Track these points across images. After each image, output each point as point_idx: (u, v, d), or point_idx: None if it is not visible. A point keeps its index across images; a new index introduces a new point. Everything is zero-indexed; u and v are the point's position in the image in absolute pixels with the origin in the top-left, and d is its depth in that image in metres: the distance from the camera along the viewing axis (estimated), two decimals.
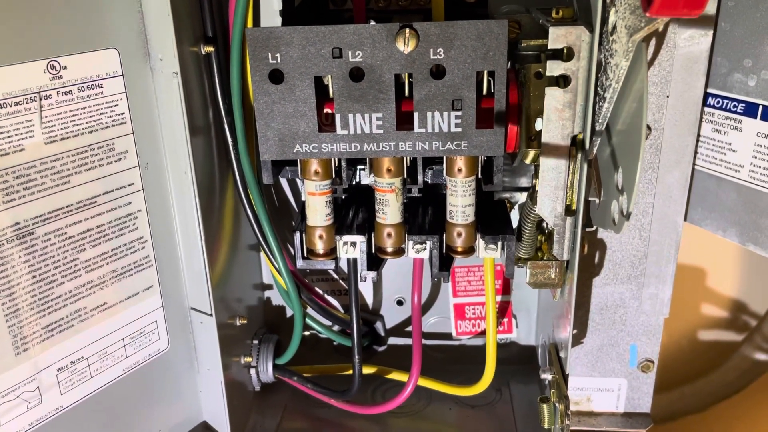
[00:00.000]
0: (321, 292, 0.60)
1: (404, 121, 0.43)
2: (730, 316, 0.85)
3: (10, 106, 0.38)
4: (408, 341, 0.61)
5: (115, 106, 0.43)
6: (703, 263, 0.79)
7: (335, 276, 0.60)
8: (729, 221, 0.61)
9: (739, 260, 0.82)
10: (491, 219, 0.49)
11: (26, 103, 0.38)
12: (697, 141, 0.54)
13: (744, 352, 0.82)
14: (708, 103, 0.56)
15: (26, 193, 0.40)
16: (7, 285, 0.40)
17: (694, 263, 0.77)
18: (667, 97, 0.49)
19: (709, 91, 0.55)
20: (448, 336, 0.61)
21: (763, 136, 0.56)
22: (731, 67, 0.55)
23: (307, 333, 0.61)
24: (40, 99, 0.39)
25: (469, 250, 0.48)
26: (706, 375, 0.82)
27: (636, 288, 0.55)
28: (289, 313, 0.61)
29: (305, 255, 0.49)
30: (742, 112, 0.57)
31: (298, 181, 0.56)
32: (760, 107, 0.56)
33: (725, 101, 0.58)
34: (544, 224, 0.49)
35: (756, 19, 0.53)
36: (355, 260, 0.50)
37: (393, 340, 0.62)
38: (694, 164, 0.54)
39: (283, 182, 0.57)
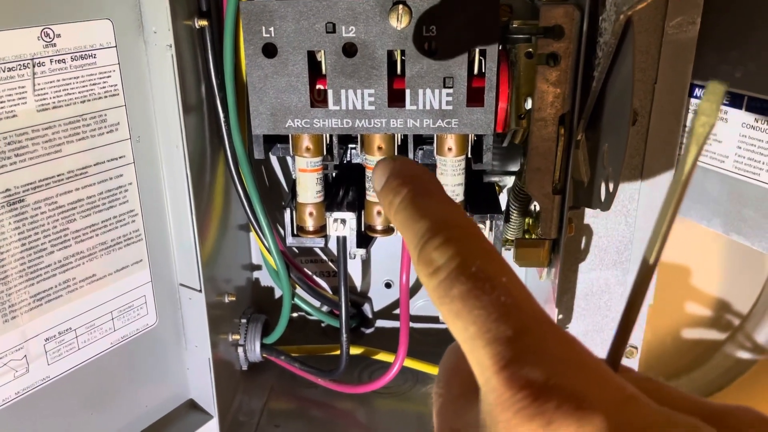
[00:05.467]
0: (310, 273, 0.60)
1: (396, 98, 0.43)
2: (714, 315, 0.86)
3: (3, 71, 0.38)
4: (396, 324, 0.62)
5: (108, 77, 0.43)
6: (688, 262, 0.80)
7: (324, 257, 0.60)
8: (713, 211, 0.62)
9: (723, 259, 0.83)
10: (480, 199, 0.49)
11: (19, 69, 0.39)
12: (683, 132, 0.55)
13: (727, 351, 0.83)
14: (693, 94, 0.57)
15: (17, 160, 0.40)
16: None
17: (678, 262, 0.78)
18: (655, 83, 0.50)
19: (695, 82, 0.55)
20: (435, 319, 0.62)
21: (748, 126, 0.57)
22: (718, 59, 0.55)
23: (295, 315, 0.61)
24: (33, 66, 0.39)
25: None
26: (689, 373, 0.83)
27: (621, 274, 0.56)
28: (277, 294, 0.62)
29: (295, 232, 0.49)
30: (727, 103, 0.58)
31: (288, 160, 0.56)
32: (746, 98, 0.57)
33: None
34: (532, 207, 0.50)
35: (742, 11, 0.54)
36: (344, 239, 0.51)
37: (380, 323, 0.62)
38: (678, 154, 0.55)
39: (274, 162, 0.57)
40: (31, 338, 0.43)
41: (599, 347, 0.58)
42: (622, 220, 0.53)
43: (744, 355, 0.83)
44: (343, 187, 0.51)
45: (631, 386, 0.17)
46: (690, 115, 0.56)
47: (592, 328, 0.58)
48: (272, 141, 0.48)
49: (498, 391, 0.17)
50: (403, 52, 0.42)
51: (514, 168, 0.54)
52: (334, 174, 0.51)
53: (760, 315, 0.80)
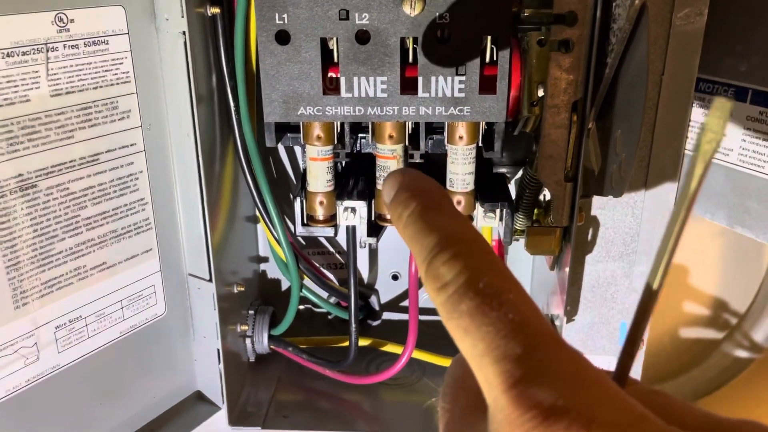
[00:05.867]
0: (317, 264, 0.60)
1: (408, 86, 0.43)
2: (712, 314, 0.86)
3: (18, 55, 0.38)
4: (403, 316, 0.62)
5: (120, 64, 0.43)
6: (686, 261, 0.81)
7: (331, 249, 0.60)
8: (717, 204, 0.62)
9: (720, 258, 0.83)
10: (490, 188, 0.49)
11: (33, 53, 0.39)
12: (688, 125, 0.55)
13: (725, 350, 0.84)
14: (698, 87, 0.58)
15: (30, 145, 0.40)
16: (9, 237, 0.40)
17: (676, 261, 0.78)
18: (662, 75, 0.50)
19: (700, 76, 0.56)
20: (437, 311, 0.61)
21: (753, 119, 0.57)
22: (722, 52, 0.56)
23: (301, 307, 0.61)
24: (47, 51, 0.39)
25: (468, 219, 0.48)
26: (687, 372, 0.84)
27: (627, 266, 0.56)
28: (284, 286, 0.61)
29: (305, 221, 0.49)
30: (732, 95, 0.59)
31: (296, 151, 0.56)
32: (750, 91, 0.57)
33: (715, 86, 0.60)
34: (541, 197, 0.50)
35: (747, 5, 0.55)
36: (353, 229, 0.51)
37: (387, 315, 0.62)
38: (684, 148, 0.55)
39: (282, 154, 0.57)
40: (42, 325, 0.43)
41: (605, 339, 0.58)
42: (629, 212, 0.54)
43: (742, 353, 0.83)
44: (353, 176, 0.51)
45: (640, 405, 0.17)
46: (693, 110, 0.56)
47: (598, 320, 0.58)
48: (282, 130, 0.48)
49: (506, 411, 0.17)
50: (415, 40, 0.42)
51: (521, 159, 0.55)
52: (343, 163, 0.51)
53: (757, 313, 0.81)
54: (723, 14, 0.54)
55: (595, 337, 0.59)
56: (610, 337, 0.59)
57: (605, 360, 0.60)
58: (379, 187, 0.48)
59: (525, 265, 0.60)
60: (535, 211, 0.50)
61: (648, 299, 0.19)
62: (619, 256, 0.55)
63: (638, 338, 0.19)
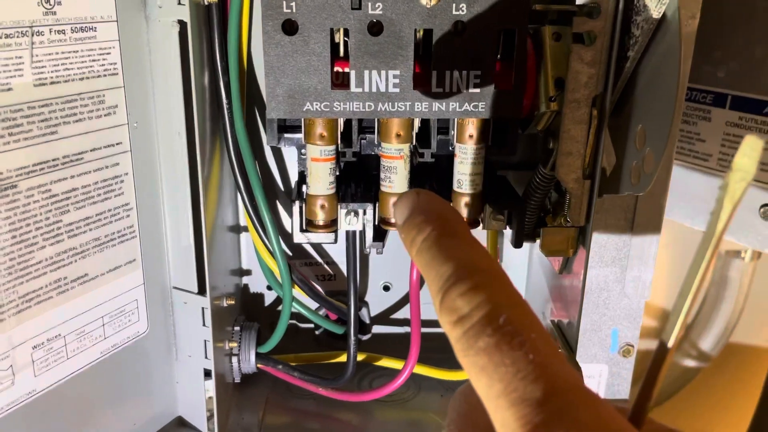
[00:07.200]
0: (305, 276, 0.57)
1: (421, 81, 0.41)
2: (660, 325, 0.88)
3: (1, 38, 0.34)
4: (395, 329, 0.59)
5: (108, 54, 0.39)
6: None
7: (319, 260, 0.57)
8: (697, 209, 0.63)
9: (667, 271, 0.85)
10: (497, 190, 0.48)
11: (17, 37, 0.34)
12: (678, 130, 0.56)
13: (674, 360, 0.85)
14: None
15: (11, 140, 0.35)
16: None
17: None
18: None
19: None
20: (435, 323, 0.59)
21: (732, 125, 0.58)
22: (701, 59, 0.57)
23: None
24: (32, 35, 0.35)
25: (474, 222, 0.46)
26: (638, 383, 0.84)
27: (620, 271, 0.55)
28: (267, 301, 0.58)
29: (304, 227, 0.46)
30: (711, 102, 0.59)
31: (285, 153, 0.53)
32: (730, 97, 0.58)
33: (694, 93, 0.61)
34: (546, 201, 0.48)
35: (725, 12, 0.56)
36: (353, 235, 0.48)
37: (378, 329, 0.59)
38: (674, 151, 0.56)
39: (269, 157, 0.53)
40: (18, 345, 0.38)
41: (597, 346, 0.57)
42: (622, 216, 0.53)
43: (690, 363, 0.85)
44: (353, 179, 0.48)
45: None
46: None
47: (590, 327, 0.57)
48: (279, 131, 0.45)
49: None
50: (429, 32, 0.40)
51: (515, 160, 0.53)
52: (342, 165, 0.48)
53: (703, 323, 0.83)
54: (701, 21, 0.55)
55: (587, 344, 0.58)
56: (601, 344, 0.58)
57: (597, 368, 0.60)
58: (383, 189, 0.45)
59: (520, 270, 0.59)
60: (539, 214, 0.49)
61: (662, 354, 0.19)
62: (611, 261, 0.54)
63: (654, 389, 0.19)
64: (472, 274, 0.19)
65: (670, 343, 0.19)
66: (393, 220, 0.46)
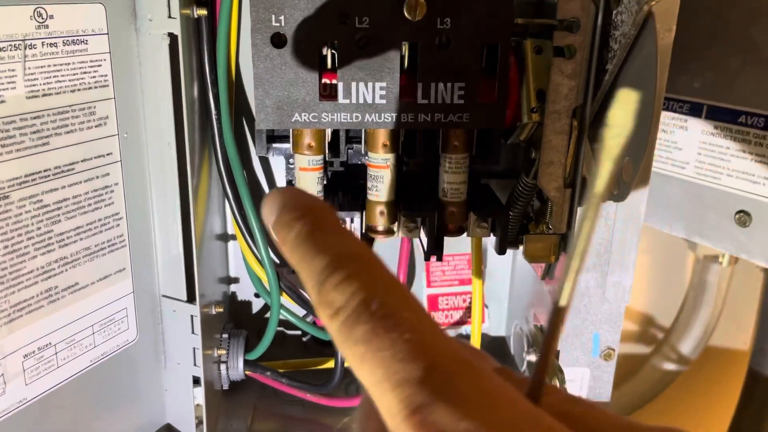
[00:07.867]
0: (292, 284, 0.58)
1: (407, 92, 0.42)
2: (640, 330, 0.89)
3: None
4: None
5: (99, 66, 0.40)
6: None
7: None
8: (675, 216, 0.64)
9: (647, 276, 0.86)
10: (481, 199, 0.49)
11: (10, 50, 0.35)
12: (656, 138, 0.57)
13: (654, 363, 0.87)
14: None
15: (4, 151, 0.36)
16: None
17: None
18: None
19: None
20: None
21: (708, 134, 0.60)
22: (677, 70, 0.58)
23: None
24: (25, 48, 0.36)
25: (459, 230, 0.47)
26: (619, 387, 0.86)
27: (600, 276, 0.57)
28: (254, 309, 0.58)
29: None
30: (687, 111, 0.61)
31: (271, 161, 0.54)
32: (705, 107, 0.60)
33: (671, 102, 0.62)
34: (528, 208, 0.50)
35: (701, 23, 0.58)
36: None
37: None
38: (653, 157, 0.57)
39: (258, 169, 0.54)
40: (10, 354, 0.38)
41: (578, 350, 0.59)
42: (602, 222, 0.54)
43: (670, 366, 0.86)
44: (341, 189, 0.49)
45: (548, 418, 0.17)
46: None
47: (571, 332, 0.58)
48: (267, 141, 0.46)
49: None
50: (415, 45, 0.41)
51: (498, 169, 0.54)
52: (329, 175, 0.49)
53: (682, 327, 0.84)
54: (677, 33, 0.57)
55: (569, 349, 0.59)
56: (583, 348, 0.59)
57: (579, 371, 0.61)
58: (370, 198, 0.46)
59: (503, 277, 0.60)
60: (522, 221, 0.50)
61: (557, 318, 0.19)
62: (592, 266, 0.56)
63: (551, 352, 0.19)
64: (344, 265, 0.19)
65: (563, 302, 0.18)
66: (380, 228, 0.47)
